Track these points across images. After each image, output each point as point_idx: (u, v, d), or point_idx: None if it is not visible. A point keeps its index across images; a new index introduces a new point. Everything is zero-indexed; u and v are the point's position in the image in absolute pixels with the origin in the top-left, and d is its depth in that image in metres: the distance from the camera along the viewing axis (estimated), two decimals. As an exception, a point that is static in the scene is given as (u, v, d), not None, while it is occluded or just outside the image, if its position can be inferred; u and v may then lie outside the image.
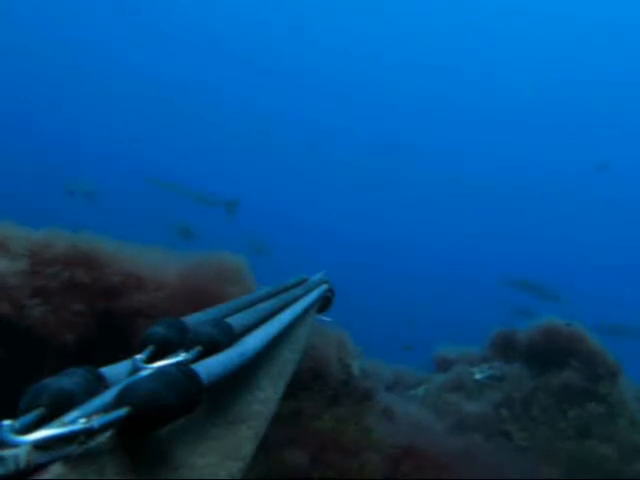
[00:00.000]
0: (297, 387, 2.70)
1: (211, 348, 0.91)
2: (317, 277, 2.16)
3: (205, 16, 29.59)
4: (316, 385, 2.83)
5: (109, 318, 2.33)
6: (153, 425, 0.68)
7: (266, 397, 1.06)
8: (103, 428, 0.62)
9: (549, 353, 4.58)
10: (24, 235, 2.36)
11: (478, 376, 4.78)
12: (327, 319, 2.16)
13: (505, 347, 4.93)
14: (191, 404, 0.73)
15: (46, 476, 0.56)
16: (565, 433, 4.12)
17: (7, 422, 0.58)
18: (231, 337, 0.99)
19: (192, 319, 1.06)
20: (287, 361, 1.30)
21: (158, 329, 0.93)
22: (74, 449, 0.60)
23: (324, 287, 2.12)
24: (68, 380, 0.69)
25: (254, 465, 2.25)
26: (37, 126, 23.93)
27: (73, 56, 25.90)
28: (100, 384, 0.74)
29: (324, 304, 2.16)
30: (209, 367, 0.82)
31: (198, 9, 29.52)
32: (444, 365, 5.13)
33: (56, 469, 0.57)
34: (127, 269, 2.45)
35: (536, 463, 3.50)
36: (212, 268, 2.63)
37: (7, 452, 0.54)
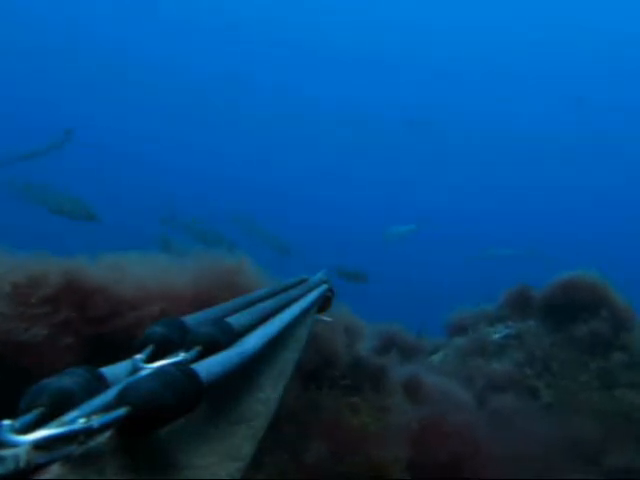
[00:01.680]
0: (306, 378, 2.67)
1: (211, 348, 0.91)
2: (317, 277, 2.17)
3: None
4: (325, 374, 2.79)
5: (106, 339, 2.21)
6: (153, 425, 0.68)
7: (266, 397, 1.06)
8: (103, 428, 0.62)
9: (569, 307, 4.57)
10: (8, 266, 2.14)
11: (495, 336, 4.79)
12: (327, 319, 2.16)
13: (520, 304, 4.93)
14: (191, 404, 0.73)
15: (46, 476, 0.56)
16: (590, 385, 4.12)
17: (7, 422, 0.58)
18: (231, 337, 0.99)
19: (192, 319, 1.06)
20: (287, 361, 1.30)
21: (158, 329, 0.93)
22: (74, 449, 0.60)
23: (324, 287, 2.12)
24: (68, 380, 0.69)
25: (272, 466, 2.22)
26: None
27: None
28: (100, 384, 0.74)
29: (324, 304, 2.16)
30: (209, 367, 0.82)
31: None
32: (459, 328, 5.11)
33: (56, 469, 0.57)
34: (126, 290, 2.28)
35: (566, 419, 3.48)
36: (210, 273, 2.54)
37: (7, 452, 0.54)
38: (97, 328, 2.18)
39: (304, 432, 2.45)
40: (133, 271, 2.39)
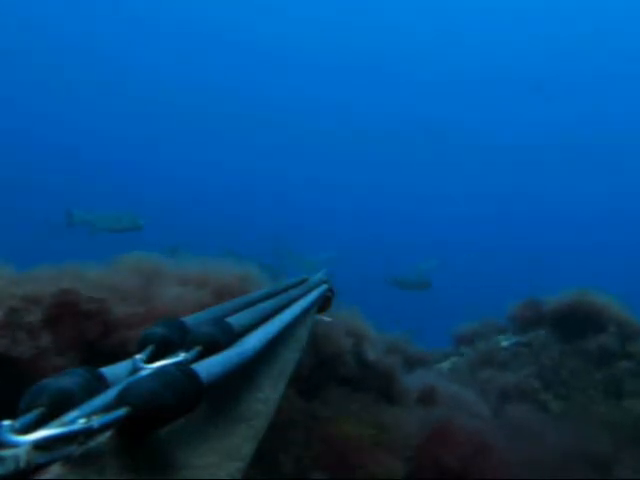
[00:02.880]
0: (310, 384, 2.63)
1: (211, 348, 0.91)
2: (317, 277, 2.17)
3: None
4: (328, 379, 2.75)
5: (99, 354, 2.16)
6: (153, 425, 0.68)
7: (266, 397, 1.06)
8: (103, 428, 0.62)
9: (576, 322, 4.70)
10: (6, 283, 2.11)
11: (504, 343, 4.86)
12: (327, 319, 2.16)
13: (529, 317, 5.05)
14: (191, 404, 0.73)
15: (46, 476, 0.56)
16: (598, 395, 4.19)
17: (7, 422, 0.57)
18: (231, 337, 0.99)
19: (192, 319, 1.06)
20: (287, 361, 1.30)
21: (157, 329, 0.93)
22: (74, 449, 0.60)
23: (324, 287, 2.12)
24: (68, 380, 0.69)
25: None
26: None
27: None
28: (100, 384, 0.74)
29: (324, 304, 2.16)
30: (209, 367, 0.82)
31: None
32: (467, 338, 5.18)
33: (56, 469, 0.57)
34: (121, 310, 2.23)
35: (576, 428, 3.49)
36: (212, 286, 2.48)
37: (7, 452, 0.54)
38: (90, 347, 2.13)
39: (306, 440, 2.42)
40: (127, 284, 2.34)
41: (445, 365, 4.98)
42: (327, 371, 2.79)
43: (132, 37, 29.87)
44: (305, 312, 1.64)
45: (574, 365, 4.44)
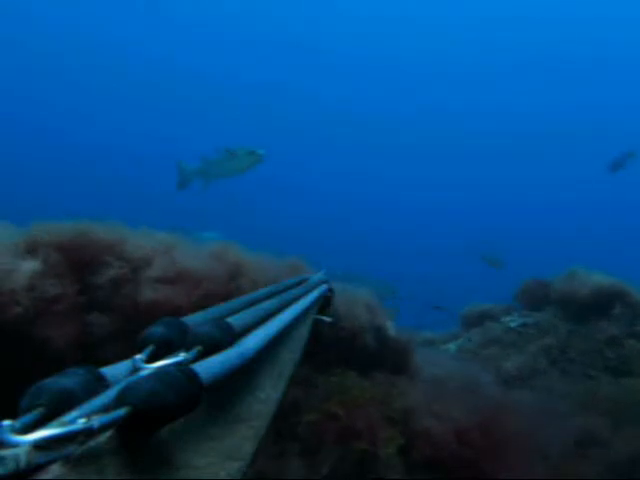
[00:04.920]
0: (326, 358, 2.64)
1: (211, 348, 0.91)
2: (317, 277, 2.17)
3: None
4: (346, 353, 2.75)
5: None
6: (153, 425, 0.68)
7: (266, 397, 1.06)
8: (103, 428, 0.62)
9: (583, 301, 4.77)
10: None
11: (512, 324, 4.91)
12: (327, 319, 2.16)
13: (536, 296, 5.13)
14: (191, 404, 0.73)
15: (46, 476, 0.56)
16: (605, 375, 4.21)
17: (7, 422, 0.58)
18: (231, 337, 0.99)
19: (192, 319, 1.06)
20: (287, 361, 1.30)
21: (158, 329, 0.93)
22: (74, 449, 0.60)
23: (324, 287, 2.12)
24: (68, 380, 0.69)
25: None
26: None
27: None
28: (100, 384, 0.74)
29: (324, 304, 2.16)
30: (209, 367, 0.82)
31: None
32: (474, 320, 5.25)
33: (56, 469, 0.57)
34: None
35: (579, 413, 3.47)
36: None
37: (7, 452, 0.54)
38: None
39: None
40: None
41: (452, 346, 5.02)
42: (345, 345, 2.79)
43: (135, 28, 30.14)
44: (305, 312, 1.64)
45: (582, 345, 4.47)
